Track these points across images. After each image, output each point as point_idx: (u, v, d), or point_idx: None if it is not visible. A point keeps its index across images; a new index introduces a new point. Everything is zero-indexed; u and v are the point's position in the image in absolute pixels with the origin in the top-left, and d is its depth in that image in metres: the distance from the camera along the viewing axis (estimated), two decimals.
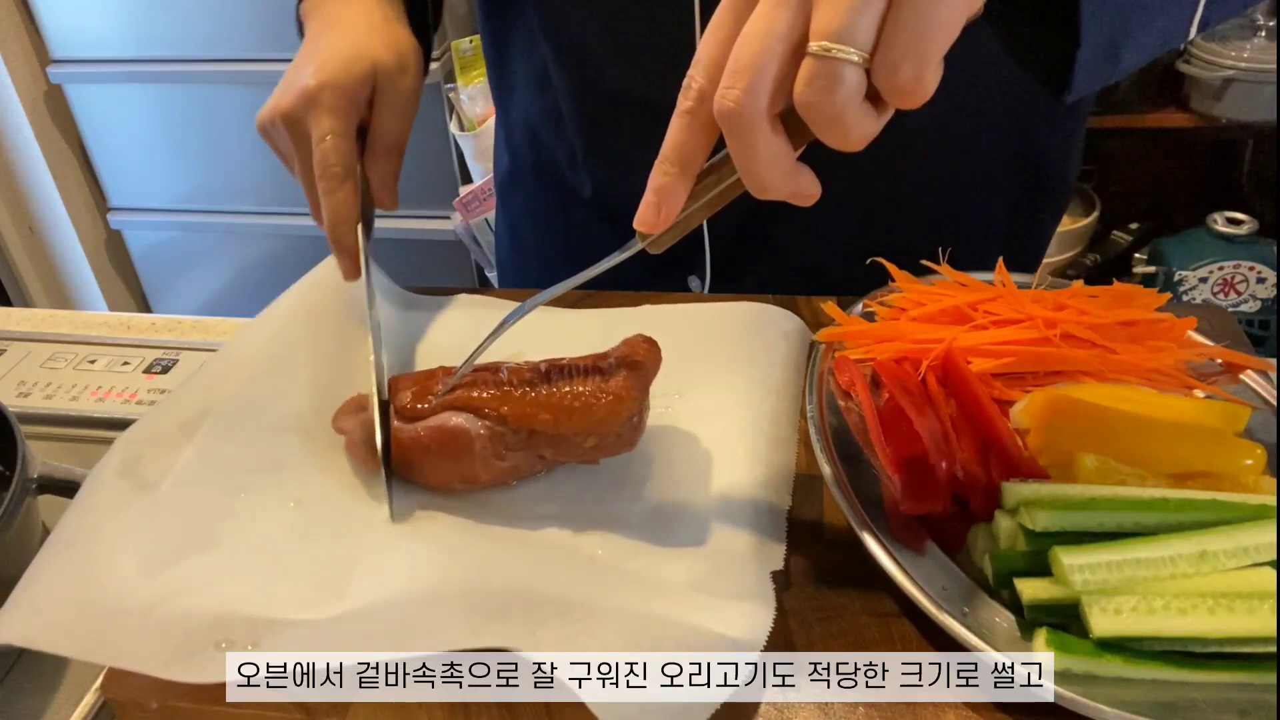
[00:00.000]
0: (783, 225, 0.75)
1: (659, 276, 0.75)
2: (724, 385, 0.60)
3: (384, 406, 0.55)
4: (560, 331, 0.67)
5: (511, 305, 0.70)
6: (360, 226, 0.61)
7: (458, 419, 0.53)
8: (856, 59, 0.35)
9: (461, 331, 0.67)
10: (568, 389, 0.52)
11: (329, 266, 0.66)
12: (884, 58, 0.35)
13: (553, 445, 0.53)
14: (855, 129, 0.37)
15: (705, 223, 0.73)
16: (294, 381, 0.59)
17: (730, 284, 0.77)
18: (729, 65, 0.37)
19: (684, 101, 0.40)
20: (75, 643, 0.44)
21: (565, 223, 0.83)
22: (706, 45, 0.39)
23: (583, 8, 0.69)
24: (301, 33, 0.68)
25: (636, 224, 0.43)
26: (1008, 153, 0.74)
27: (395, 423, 0.54)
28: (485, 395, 0.53)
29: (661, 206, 0.41)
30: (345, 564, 0.49)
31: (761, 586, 0.47)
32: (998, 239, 0.78)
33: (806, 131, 0.38)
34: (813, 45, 0.35)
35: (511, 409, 0.52)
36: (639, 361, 0.53)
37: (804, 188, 0.40)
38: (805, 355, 0.65)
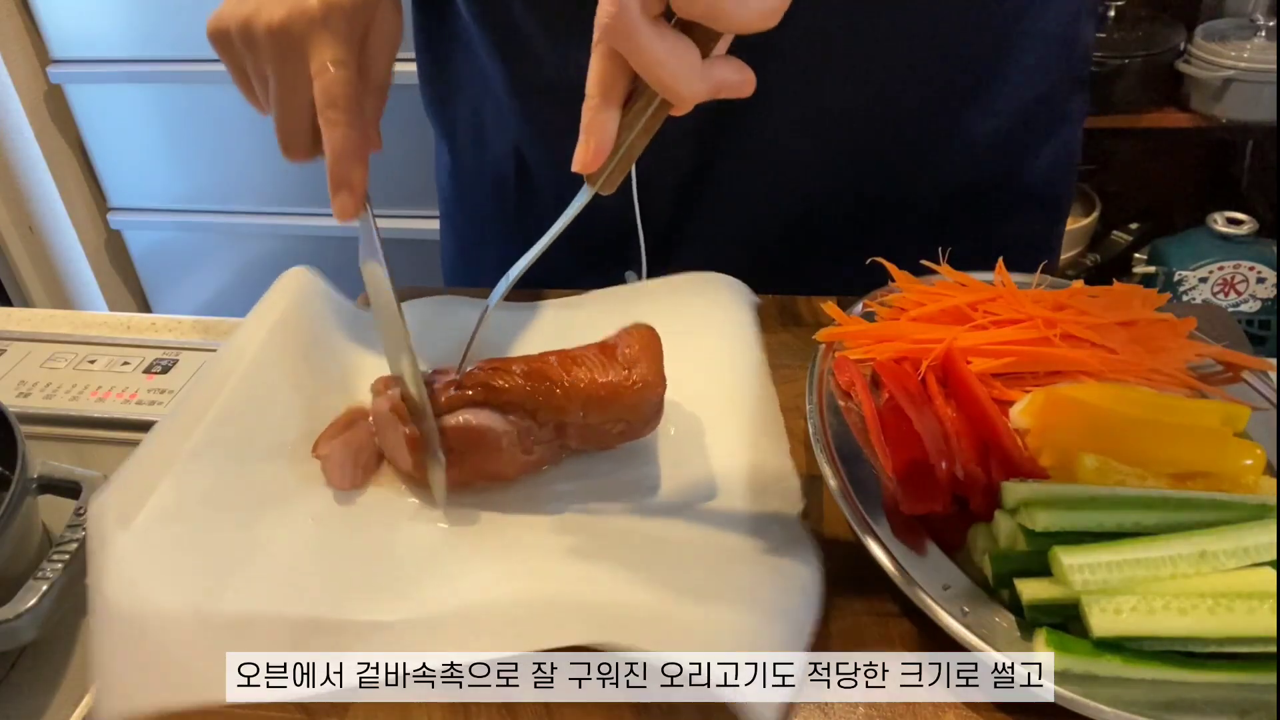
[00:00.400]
0: (714, 208, 0.75)
1: (595, 273, 0.74)
2: (696, 349, 0.62)
3: (421, 388, 0.53)
4: (526, 330, 0.68)
5: (473, 300, 0.71)
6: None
7: (481, 417, 0.52)
8: None
9: (440, 331, 0.66)
10: (590, 378, 0.53)
11: (287, 284, 0.65)
12: None
13: (580, 435, 0.54)
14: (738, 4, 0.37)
15: (638, 214, 0.73)
16: (272, 410, 0.58)
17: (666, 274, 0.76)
18: None
19: (594, 35, 0.40)
20: (172, 699, 0.43)
21: (512, 221, 0.82)
22: None
23: None
24: None
25: (575, 166, 0.43)
26: (942, 140, 0.72)
27: (407, 430, 0.53)
28: (508, 392, 0.53)
29: (591, 140, 0.42)
30: (393, 569, 0.49)
31: (798, 534, 0.50)
32: (949, 232, 0.74)
33: (707, 30, 0.39)
34: None
35: (541, 403, 0.53)
36: (650, 346, 0.54)
37: (726, 79, 0.40)
38: (753, 313, 0.67)
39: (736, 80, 0.41)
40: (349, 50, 0.54)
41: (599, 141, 0.42)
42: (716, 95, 0.41)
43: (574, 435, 0.54)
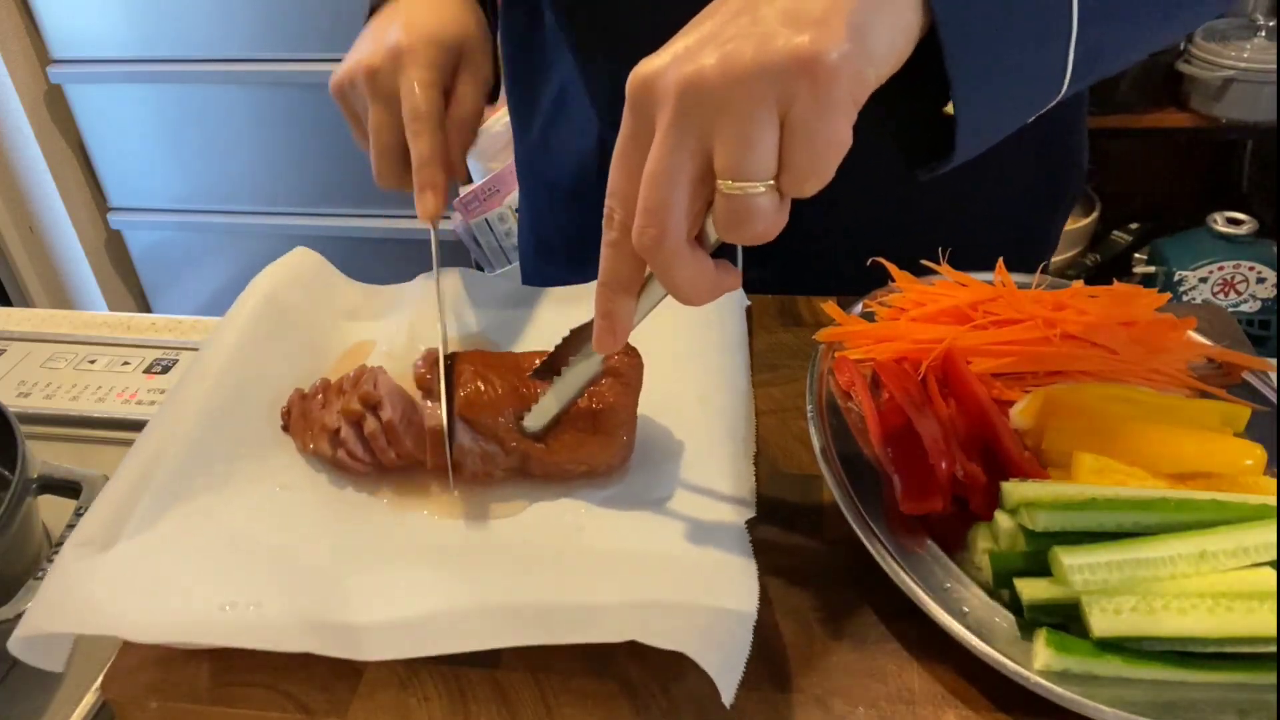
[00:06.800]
0: (811, 224, 0.75)
1: None
2: (677, 346, 0.62)
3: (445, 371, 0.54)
4: (532, 317, 0.68)
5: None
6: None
7: (458, 435, 0.52)
8: (764, 189, 0.38)
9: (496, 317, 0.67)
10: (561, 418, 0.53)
11: (278, 271, 0.66)
12: (789, 179, 0.38)
13: (544, 469, 0.54)
14: (775, 232, 0.39)
15: None
16: (256, 402, 0.58)
17: (752, 271, 0.76)
18: (640, 204, 0.39)
19: (608, 233, 0.42)
20: (91, 624, 0.44)
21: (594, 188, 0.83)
22: (616, 177, 0.41)
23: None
24: (371, 11, 0.68)
25: (596, 348, 0.45)
26: (1028, 141, 0.74)
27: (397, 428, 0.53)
28: (482, 415, 0.53)
29: (615, 328, 0.44)
30: (327, 558, 0.49)
31: (740, 543, 0.49)
32: (1015, 229, 0.78)
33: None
34: (721, 185, 0.38)
35: (507, 436, 0.53)
36: (625, 382, 0.54)
37: (727, 287, 0.43)
38: (743, 313, 0.68)
39: (734, 283, 0.43)
40: (433, 74, 0.60)
41: (621, 328, 0.44)
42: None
43: (537, 467, 0.54)
